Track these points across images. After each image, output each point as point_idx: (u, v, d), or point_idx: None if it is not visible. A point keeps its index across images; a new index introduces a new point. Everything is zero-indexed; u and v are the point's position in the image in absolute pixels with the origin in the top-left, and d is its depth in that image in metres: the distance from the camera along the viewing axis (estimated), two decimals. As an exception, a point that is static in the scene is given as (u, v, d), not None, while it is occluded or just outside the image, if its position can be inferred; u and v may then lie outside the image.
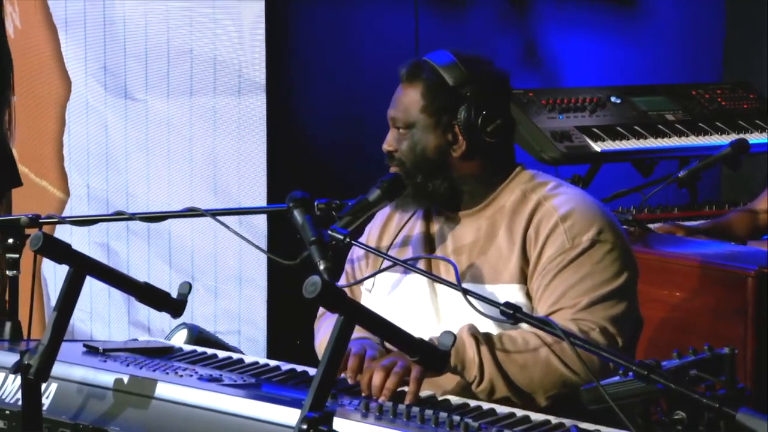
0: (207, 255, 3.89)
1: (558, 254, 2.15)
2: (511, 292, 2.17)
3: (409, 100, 2.25)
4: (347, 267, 2.41)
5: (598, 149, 3.61)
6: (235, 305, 3.86)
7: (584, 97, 3.77)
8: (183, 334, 2.94)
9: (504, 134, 2.26)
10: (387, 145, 2.30)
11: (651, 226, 3.24)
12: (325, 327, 2.38)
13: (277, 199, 3.83)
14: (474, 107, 2.22)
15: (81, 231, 3.88)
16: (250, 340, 3.82)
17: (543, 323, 1.85)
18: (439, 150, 2.23)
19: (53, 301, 4.25)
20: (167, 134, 3.96)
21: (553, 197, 2.22)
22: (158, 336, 3.93)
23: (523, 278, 2.18)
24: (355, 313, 1.79)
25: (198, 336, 2.94)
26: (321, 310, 2.42)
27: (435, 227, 2.30)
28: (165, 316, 3.60)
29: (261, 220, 3.71)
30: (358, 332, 2.02)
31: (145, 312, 4.06)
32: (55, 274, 4.29)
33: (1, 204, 3.06)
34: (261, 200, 3.74)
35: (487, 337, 2.11)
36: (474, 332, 2.11)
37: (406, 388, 2.02)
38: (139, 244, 4.05)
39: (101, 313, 4.12)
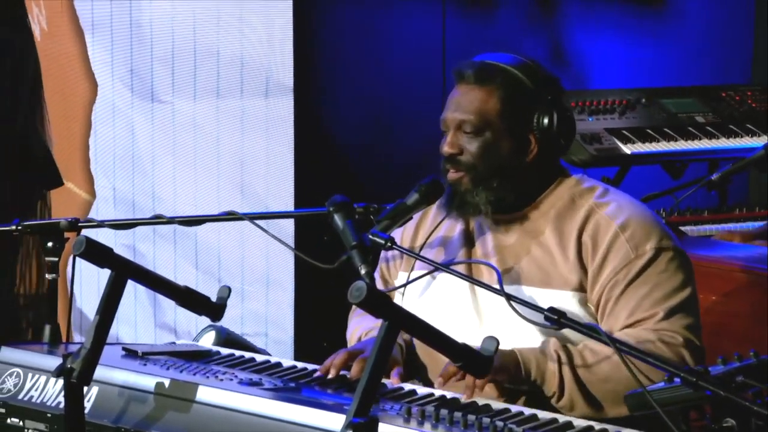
0: (234, 257, 3.89)
1: (623, 265, 2.14)
2: (564, 299, 2.16)
3: (482, 103, 2.20)
4: (381, 264, 2.39)
5: (628, 151, 3.60)
6: (262, 307, 3.86)
7: (613, 98, 3.76)
8: (211, 336, 2.95)
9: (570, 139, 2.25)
10: (450, 148, 2.23)
11: (681, 228, 3.23)
12: (358, 319, 2.37)
13: (305, 201, 3.86)
14: (555, 113, 2.20)
15: (107, 232, 3.87)
16: (277, 343, 3.82)
17: (589, 329, 1.85)
18: (513, 154, 2.21)
19: (79, 302, 4.26)
20: (194, 136, 3.96)
21: (605, 205, 2.20)
22: (185, 337, 3.93)
23: (579, 286, 2.17)
24: (399, 319, 1.78)
25: (226, 338, 2.94)
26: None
27: (474, 225, 2.29)
28: (191, 318, 3.62)
29: (288, 222, 3.71)
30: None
31: (171, 314, 4.06)
32: (80, 275, 4.29)
33: (42, 204, 3.06)
34: (288, 202, 3.75)
35: (568, 351, 2.10)
36: (556, 347, 2.10)
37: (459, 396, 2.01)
38: (166, 246, 4.05)
39: (128, 315, 4.12)
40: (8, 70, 3.00)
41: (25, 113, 2.94)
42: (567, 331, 2.09)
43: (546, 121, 2.20)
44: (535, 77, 2.22)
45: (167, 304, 3.68)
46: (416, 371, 2.26)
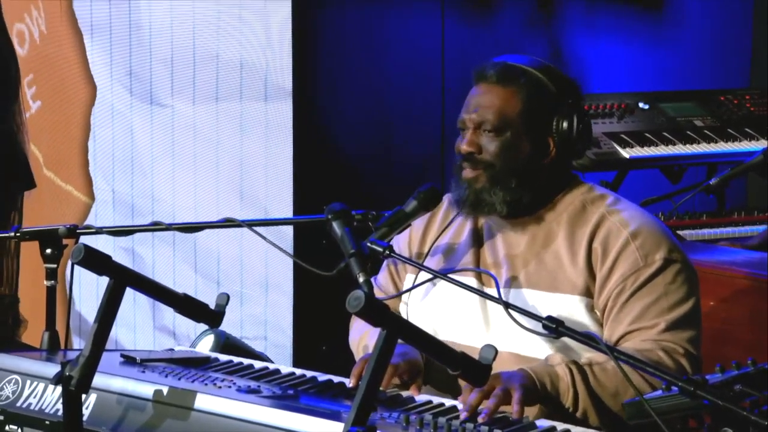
0: (233, 260, 3.90)
1: (631, 273, 2.15)
2: (571, 303, 2.16)
3: (504, 102, 2.19)
4: (390, 265, 2.39)
5: (627, 156, 3.60)
6: (262, 311, 3.86)
7: (612, 103, 3.76)
8: (210, 339, 2.95)
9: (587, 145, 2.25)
10: (468, 146, 2.21)
11: (679, 233, 3.24)
12: (362, 325, 2.37)
13: (304, 205, 3.86)
14: (575, 118, 2.20)
15: (106, 236, 3.88)
16: (277, 346, 3.82)
17: (587, 338, 1.85)
18: (532, 156, 2.20)
19: (78, 305, 4.26)
20: (193, 139, 3.96)
21: (617, 212, 2.20)
22: (184, 341, 3.94)
23: (586, 291, 2.17)
24: (397, 328, 1.78)
25: (225, 342, 2.95)
26: None
27: (483, 228, 2.28)
28: (190, 322, 3.63)
29: (288, 227, 3.70)
30: None
31: (170, 317, 4.06)
32: (79, 277, 4.30)
33: (15, 208, 3.05)
34: (288, 206, 3.75)
35: (580, 367, 2.10)
36: (567, 362, 2.10)
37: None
38: (165, 249, 4.05)
39: (126, 317, 4.12)
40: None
41: (12, 117, 2.94)
42: (568, 339, 2.09)
43: (566, 124, 2.20)
44: (557, 80, 2.22)
45: (166, 307, 3.70)
46: (429, 375, 2.24)
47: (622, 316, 2.14)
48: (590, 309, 2.17)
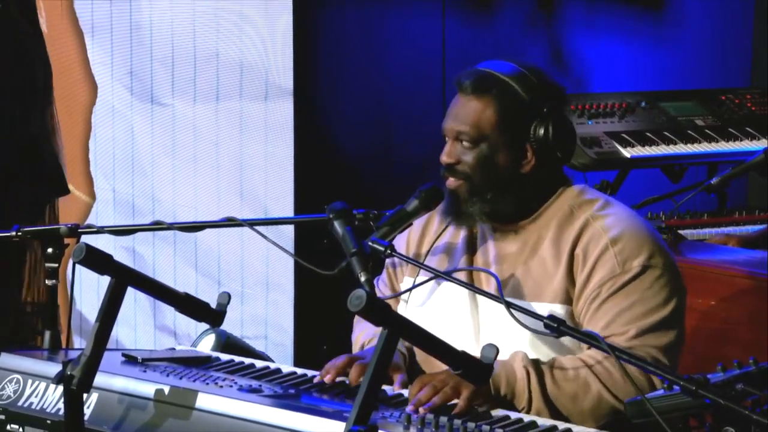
0: (234, 259, 3.90)
1: (608, 279, 2.13)
2: (552, 312, 2.13)
3: (478, 114, 2.19)
4: (389, 269, 2.39)
5: (628, 155, 3.60)
6: (262, 310, 3.86)
7: (613, 102, 3.76)
8: (210, 339, 2.95)
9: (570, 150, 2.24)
10: (447, 158, 2.22)
11: (680, 232, 3.24)
12: (364, 323, 2.37)
13: (304, 204, 3.86)
14: (551, 124, 2.18)
15: (107, 235, 3.88)
16: (278, 345, 3.83)
17: (588, 337, 1.85)
18: (510, 166, 2.19)
19: (78, 304, 4.26)
20: (193, 139, 3.97)
21: (602, 218, 2.19)
22: (185, 340, 3.94)
23: (567, 298, 2.16)
24: (398, 327, 1.79)
25: (226, 341, 2.95)
26: None
27: (478, 233, 2.28)
28: (191, 321, 3.62)
29: (289, 226, 3.71)
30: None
31: (171, 316, 4.06)
32: (80, 277, 4.30)
33: (45, 213, 3.05)
34: (288, 205, 3.75)
35: (539, 369, 2.09)
36: (526, 363, 2.10)
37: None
38: (166, 248, 4.06)
39: (127, 317, 4.13)
40: (21, 78, 2.99)
41: (38, 121, 2.93)
42: (565, 340, 2.09)
43: (542, 132, 2.19)
44: (532, 87, 2.20)
45: (167, 306, 3.71)
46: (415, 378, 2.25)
47: (595, 322, 2.13)
48: (571, 317, 2.16)
